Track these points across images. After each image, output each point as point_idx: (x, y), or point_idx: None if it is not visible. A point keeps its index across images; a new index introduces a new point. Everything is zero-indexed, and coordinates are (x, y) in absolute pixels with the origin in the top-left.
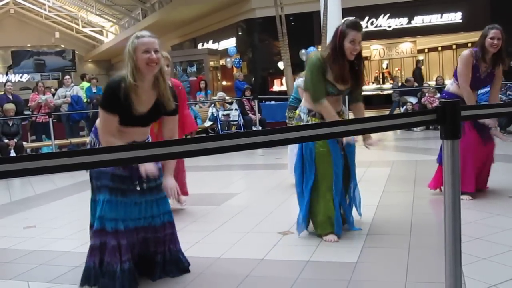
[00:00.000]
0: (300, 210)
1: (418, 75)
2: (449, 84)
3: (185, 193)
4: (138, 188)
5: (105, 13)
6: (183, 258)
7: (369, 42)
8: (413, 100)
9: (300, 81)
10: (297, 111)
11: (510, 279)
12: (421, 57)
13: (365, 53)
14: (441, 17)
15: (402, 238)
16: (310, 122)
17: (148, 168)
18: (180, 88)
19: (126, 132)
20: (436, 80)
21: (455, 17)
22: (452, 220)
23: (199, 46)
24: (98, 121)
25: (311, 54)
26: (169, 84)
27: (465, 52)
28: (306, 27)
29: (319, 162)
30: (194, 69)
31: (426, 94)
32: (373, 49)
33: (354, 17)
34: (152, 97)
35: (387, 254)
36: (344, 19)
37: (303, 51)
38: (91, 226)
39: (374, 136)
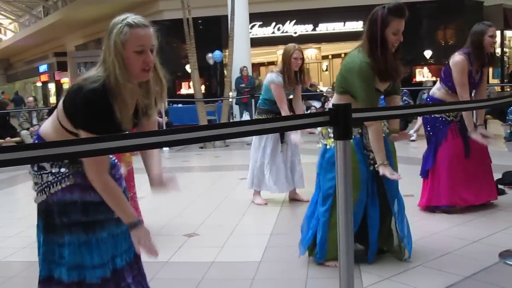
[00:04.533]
0: (315, 230)
1: None
2: (435, 89)
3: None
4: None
5: (4, 10)
6: None
7: (275, 48)
8: (317, 104)
9: (274, 76)
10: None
11: (402, 271)
12: (325, 63)
13: (272, 58)
14: (344, 25)
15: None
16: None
17: None
18: None
19: None
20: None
21: (357, 25)
22: (344, 218)
23: None
24: (45, 128)
25: (352, 58)
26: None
27: (458, 57)
28: (213, 30)
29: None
30: None
31: (330, 99)
32: (279, 55)
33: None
34: (134, 99)
35: (289, 252)
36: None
37: (209, 54)
38: (51, 279)
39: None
